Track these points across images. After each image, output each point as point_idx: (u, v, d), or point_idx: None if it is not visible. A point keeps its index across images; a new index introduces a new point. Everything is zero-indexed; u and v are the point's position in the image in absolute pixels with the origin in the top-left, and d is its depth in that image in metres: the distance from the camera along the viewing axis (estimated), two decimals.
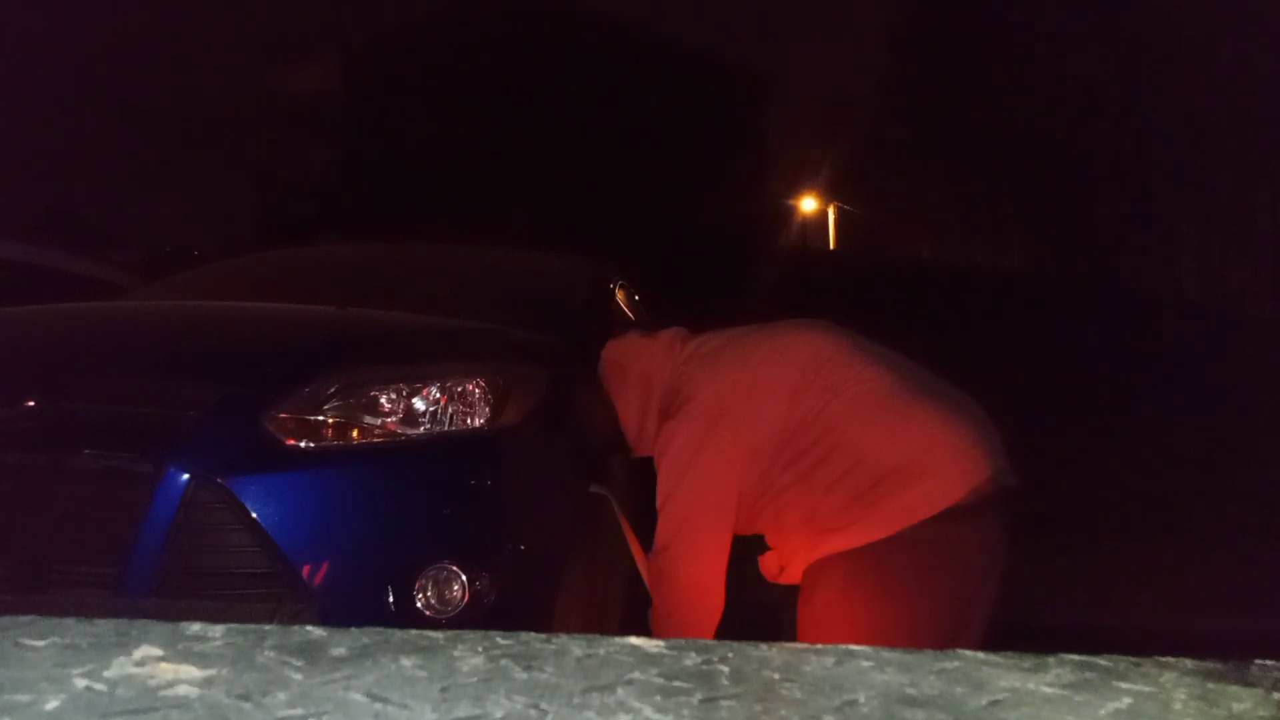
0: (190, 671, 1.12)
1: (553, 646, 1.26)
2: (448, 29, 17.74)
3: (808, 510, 2.09)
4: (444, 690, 1.09)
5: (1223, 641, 1.65)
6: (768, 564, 2.24)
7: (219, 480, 1.92)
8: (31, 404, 2.05)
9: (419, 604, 1.98)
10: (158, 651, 1.19)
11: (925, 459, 2.02)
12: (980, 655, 1.27)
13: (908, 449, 2.04)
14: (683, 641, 1.29)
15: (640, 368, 2.38)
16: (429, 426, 2.14)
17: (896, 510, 2.00)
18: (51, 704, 1.02)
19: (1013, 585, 2.08)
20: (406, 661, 1.18)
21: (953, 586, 2.01)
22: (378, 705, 1.04)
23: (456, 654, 1.22)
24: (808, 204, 16.23)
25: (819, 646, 1.29)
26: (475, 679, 1.13)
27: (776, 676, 1.17)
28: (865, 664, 1.22)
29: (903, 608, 2.00)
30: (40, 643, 1.22)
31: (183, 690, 1.07)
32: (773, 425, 2.11)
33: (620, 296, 3.73)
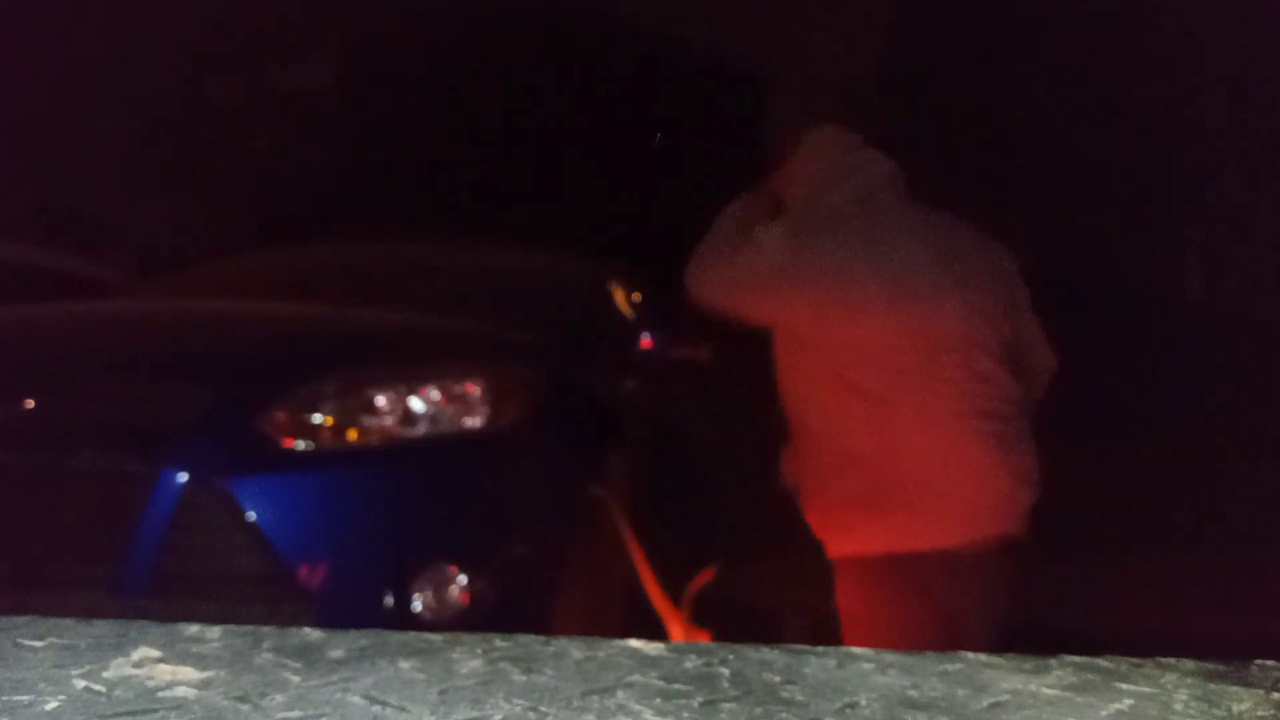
0: (188, 673, 1.12)
1: (552, 649, 1.26)
2: (448, 27, 17.73)
3: (823, 465, 2.01)
4: (442, 693, 1.08)
5: (1223, 642, 1.65)
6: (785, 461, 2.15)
7: (216, 481, 1.91)
8: (30, 404, 2.05)
9: (417, 606, 1.98)
10: (156, 653, 1.18)
11: (948, 491, 1.94)
12: (982, 657, 1.27)
13: (939, 473, 1.94)
14: (683, 644, 1.29)
15: (825, 172, 2.10)
16: (427, 427, 2.14)
17: (903, 529, 1.94)
18: (50, 705, 1.02)
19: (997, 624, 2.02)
20: (405, 664, 1.17)
21: (944, 613, 1.95)
22: (376, 708, 1.03)
23: (455, 656, 1.21)
24: None
25: (820, 649, 1.29)
26: (474, 682, 1.12)
27: (777, 679, 1.17)
28: (866, 666, 1.22)
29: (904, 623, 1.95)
30: (39, 643, 1.22)
31: (181, 691, 1.07)
32: (855, 349, 1.94)
33: (619, 296, 3.73)
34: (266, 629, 1.31)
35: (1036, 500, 2.03)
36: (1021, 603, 2.06)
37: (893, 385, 1.94)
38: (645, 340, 3.59)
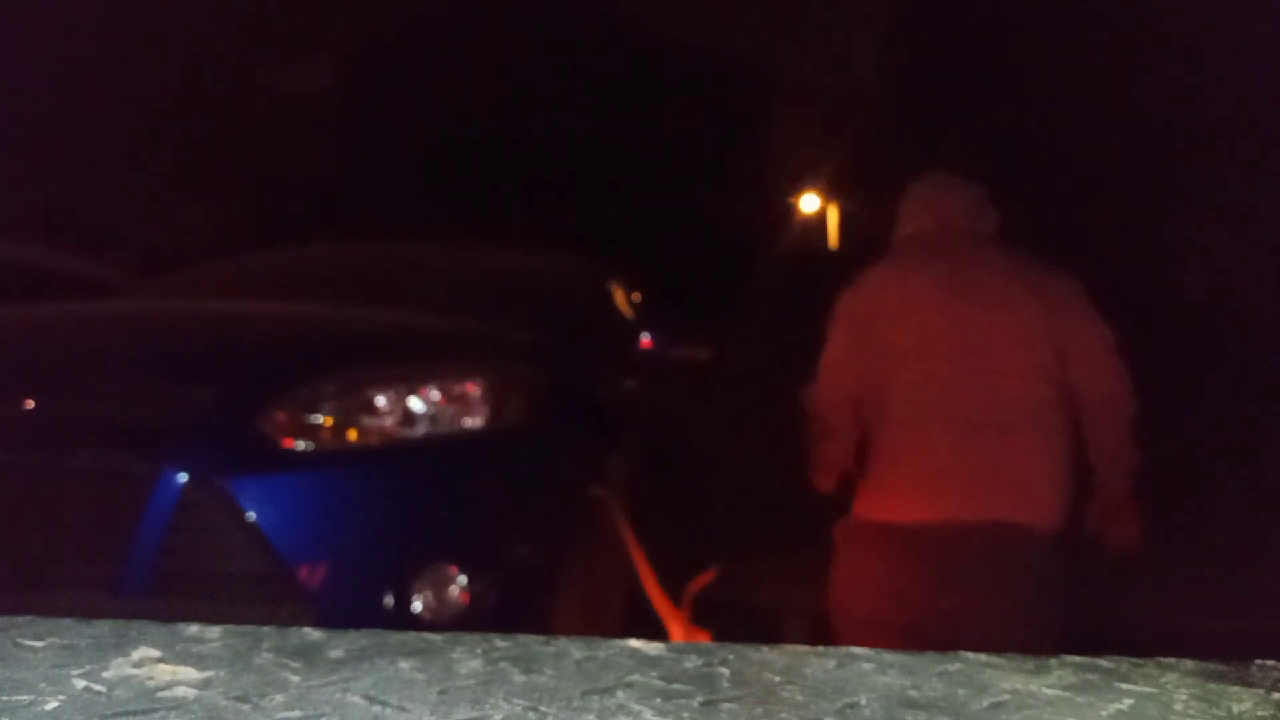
0: (188, 673, 1.12)
1: (552, 649, 1.26)
2: (447, 27, 17.74)
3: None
4: (442, 693, 1.08)
5: (1223, 642, 1.65)
6: None
7: (216, 481, 1.91)
8: (30, 404, 2.05)
9: (417, 606, 1.98)
10: (156, 653, 1.18)
11: (910, 467, 2.20)
12: (982, 657, 1.27)
13: (904, 450, 2.21)
14: (683, 644, 1.29)
15: (907, 210, 2.43)
16: (427, 427, 2.14)
17: (872, 500, 2.25)
18: (50, 705, 1.02)
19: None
20: (404, 664, 1.17)
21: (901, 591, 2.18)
22: (375, 708, 1.03)
23: (455, 656, 1.21)
24: (808, 204, 16.22)
25: (820, 649, 1.29)
26: (474, 682, 1.12)
27: (777, 679, 1.17)
28: (866, 666, 1.22)
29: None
30: (39, 643, 1.22)
31: (180, 691, 1.07)
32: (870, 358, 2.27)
33: (619, 296, 3.73)
34: (266, 629, 1.31)
35: (1037, 501, 2.17)
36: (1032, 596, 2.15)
37: (886, 375, 2.24)
38: (645, 340, 3.60)
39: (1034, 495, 2.15)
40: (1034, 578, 2.14)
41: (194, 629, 1.28)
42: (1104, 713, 1.08)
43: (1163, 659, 1.28)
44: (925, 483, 2.18)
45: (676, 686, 1.12)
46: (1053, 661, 1.26)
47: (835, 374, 2.35)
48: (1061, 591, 2.18)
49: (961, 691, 1.13)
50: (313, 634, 1.29)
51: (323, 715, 1.01)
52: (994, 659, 1.26)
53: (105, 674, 1.11)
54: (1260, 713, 1.10)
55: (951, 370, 2.18)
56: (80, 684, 1.08)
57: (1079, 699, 1.12)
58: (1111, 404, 2.26)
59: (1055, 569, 2.17)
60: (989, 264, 2.28)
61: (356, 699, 1.06)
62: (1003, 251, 2.32)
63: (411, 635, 1.29)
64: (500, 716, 1.02)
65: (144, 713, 1.01)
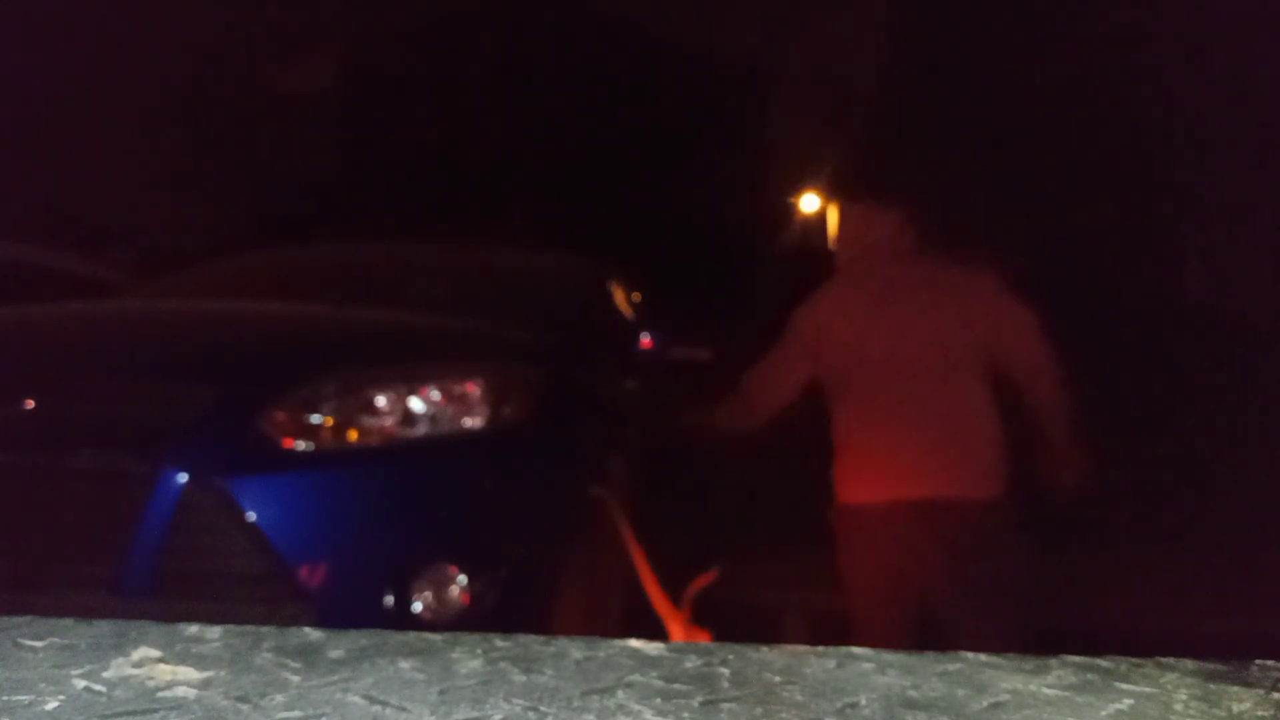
0: (188, 673, 1.12)
1: (552, 649, 1.26)
2: (447, 27, 17.74)
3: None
4: (442, 693, 1.08)
5: (1223, 642, 1.65)
6: None
7: (216, 481, 1.91)
8: (30, 404, 2.05)
9: (417, 606, 1.98)
10: (156, 653, 1.18)
11: (864, 454, 2.48)
12: (982, 657, 1.27)
13: (854, 442, 2.49)
14: (683, 644, 1.29)
15: (841, 235, 2.71)
16: (427, 427, 2.14)
17: (841, 484, 2.52)
18: (50, 705, 1.02)
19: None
20: (404, 664, 1.18)
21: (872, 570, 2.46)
22: (376, 708, 1.03)
23: (455, 656, 1.21)
24: (808, 204, 16.19)
25: (820, 649, 1.29)
26: (474, 681, 1.12)
27: (777, 679, 1.17)
28: (866, 666, 1.22)
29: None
30: (39, 643, 1.22)
31: (180, 691, 1.07)
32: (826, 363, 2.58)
33: (619, 296, 3.73)
34: (266, 629, 1.31)
35: (966, 478, 2.43)
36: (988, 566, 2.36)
37: (835, 379, 2.57)
38: (645, 340, 3.60)
39: (963, 473, 2.42)
40: (977, 547, 2.38)
41: (194, 629, 1.28)
42: (1104, 713, 1.08)
43: (1163, 659, 1.28)
44: (872, 468, 2.49)
45: (676, 686, 1.12)
46: (1052, 661, 1.26)
47: (779, 379, 2.68)
48: (1011, 559, 2.42)
49: (961, 691, 1.13)
50: (313, 634, 1.29)
51: (323, 715, 1.01)
52: (994, 659, 1.26)
53: (105, 674, 1.11)
54: (1260, 713, 1.10)
55: (885, 372, 2.49)
56: (80, 684, 1.08)
57: (1079, 699, 1.12)
58: (1044, 372, 2.52)
59: (998, 537, 2.41)
60: (913, 277, 2.57)
61: (356, 699, 1.06)
62: (924, 264, 2.61)
63: (411, 635, 1.30)
64: (500, 716, 1.02)
65: (144, 713, 1.01)
